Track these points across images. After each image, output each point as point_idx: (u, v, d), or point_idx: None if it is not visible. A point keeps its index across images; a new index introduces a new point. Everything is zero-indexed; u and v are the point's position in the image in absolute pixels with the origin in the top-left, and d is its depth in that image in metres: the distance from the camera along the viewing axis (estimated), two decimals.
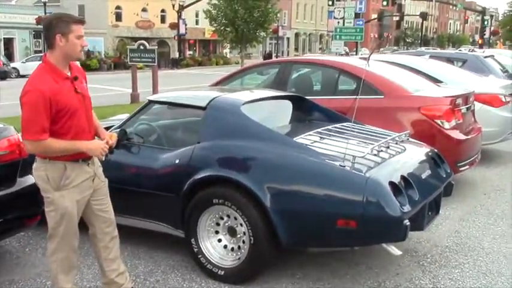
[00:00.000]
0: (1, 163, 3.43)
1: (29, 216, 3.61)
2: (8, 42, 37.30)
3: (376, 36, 79.90)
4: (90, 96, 2.97)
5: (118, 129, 3.90)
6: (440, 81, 6.90)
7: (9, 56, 35.03)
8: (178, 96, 4.21)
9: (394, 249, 3.28)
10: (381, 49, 53.87)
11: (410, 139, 4.17)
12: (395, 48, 62.02)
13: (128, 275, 3.26)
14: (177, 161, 3.64)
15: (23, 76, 29.61)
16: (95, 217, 3.04)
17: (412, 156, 3.74)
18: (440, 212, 3.91)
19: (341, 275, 3.66)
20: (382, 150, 3.54)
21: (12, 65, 30.48)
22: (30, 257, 3.96)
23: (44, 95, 2.65)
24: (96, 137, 3.05)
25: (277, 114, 4.34)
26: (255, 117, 3.64)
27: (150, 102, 4.17)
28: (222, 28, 31.37)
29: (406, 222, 3.07)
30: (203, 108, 3.78)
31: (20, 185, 3.53)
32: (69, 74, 2.82)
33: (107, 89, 19.24)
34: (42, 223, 3.95)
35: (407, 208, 3.11)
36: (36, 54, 34.04)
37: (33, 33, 38.26)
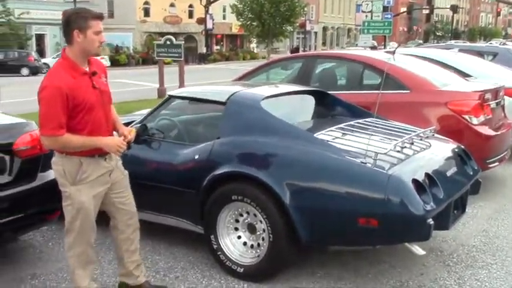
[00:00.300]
0: (22, 158, 3.46)
1: (49, 211, 3.62)
2: (40, 38, 38.01)
3: (405, 29, 78.67)
4: (108, 92, 2.96)
5: (139, 124, 3.90)
6: (470, 75, 6.71)
7: (41, 51, 35.70)
8: (199, 91, 4.18)
9: (417, 249, 3.18)
10: (407, 43, 52.80)
11: (436, 135, 4.05)
12: (420, 41, 60.69)
13: (143, 268, 3.27)
14: (196, 157, 3.62)
15: None
16: (116, 210, 3.05)
17: (437, 153, 3.62)
18: (467, 210, 3.79)
19: (363, 274, 3.58)
20: (405, 147, 3.44)
21: (43, 60, 31.04)
22: (53, 251, 3.99)
23: (61, 90, 2.65)
24: (114, 132, 3.05)
25: (298, 110, 4.27)
26: (275, 112, 3.58)
27: (171, 97, 4.15)
28: (248, 23, 31.36)
29: (430, 221, 2.97)
30: (223, 103, 3.74)
31: (41, 180, 3.55)
32: (87, 69, 2.82)
33: (134, 84, 19.45)
34: (63, 218, 4.01)
35: (431, 206, 3.02)
36: None
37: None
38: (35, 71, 27.99)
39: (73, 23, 2.71)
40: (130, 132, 3.03)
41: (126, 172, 3.12)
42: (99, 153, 2.85)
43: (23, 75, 27.24)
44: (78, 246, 2.95)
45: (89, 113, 2.77)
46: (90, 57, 2.85)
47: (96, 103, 2.80)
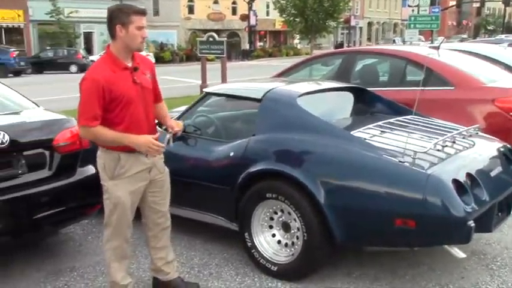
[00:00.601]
0: (63, 153, 3.54)
1: (88, 205, 3.71)
2: (88, 36, 39.07)
3: (454, 24, 76.42)
4: (151, 89, 2.96)
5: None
6: None
7: (89, 49, 36.70)
8: (235, 88, 4.16)
9: (457, 252, 3.07)
10: (450, 37, 50.99)
11: (481, 133, 3.89)
12: (463, 36, 58.46)
13: (175, 264, 3.29)
14: (231, 154, 3.61)
15: None
16: (149, 209, 3.08)
17: (481, 152, 3.47)
18: None
19: (400, 275, 3.49)
20: (447, 145, 3.32)
21: (91, 57, 31.89)
22: (92, 245, 4.08)
23: (98, 83, 2.71)
24: (158, 127, 3.08)
25: (335, 107, 4.19)
26: (311, 109, 3.52)
27: (207, 94, 4.16)
28: (291, 19, 31.21)
29: (471, 223, 2.85)
30: (259, 100, 3.71)
31: (80, 175, 3.63)
32: (130, 64, 2.84)
33: (178, 81, 19.68)
34: (103, 212, 4.09)
35: (472, 208, 2.89)
36: None
37: None
38: (83, 68, 28.74)
39: (115, 18, 2.76)
40: (178, 125, 3.06)
41: (167, 170, 3.13)
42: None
43: (72, 72, 28.07)
44: (115, 240, 2.99)
45: (126, 107, 2.78)
46: (134, 53, 2.87)
47: (135, 98, 2.81)
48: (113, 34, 2.79)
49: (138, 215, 3.06)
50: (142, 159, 2.89)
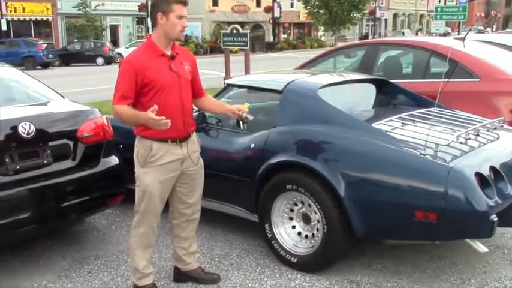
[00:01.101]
0: (86, 144, 3.61)
1: (112, 195, 3.78)
2: (114, 29, 39.50)
3: (483, 15, 74.75)
4: (189, 79, 2.98)
5: (197, 113, 3.95)
6: None
7: (114, 42, 37.10)
8: (256, 80, 4.18)
9: (480, 246, 3.03)
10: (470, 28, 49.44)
11: (506, 126, 3.82)
12: (480, 28, 56.32)
13: (197, 256, 3.34)
14: (252, 145, 3.62)
15: None
16: (176, 198, 3.12)
17: (505, 145, 3.41)
18: None
19: (421, 269, 3.46)
20: (470, 138, 3.27)
21: (117, 50, 32.26)
22: (115, 234, 4.15)
23: (132, 66, 2.80)
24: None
25: (357, 99, 4.16)
26: (332, 101, 3.51)
27: (228, 85, 4.17)
28: (315, 10, 30.96)
29: (494, 217, 2.80)
30: (279, 92, 3.71)
31: (104, 166, 3.70)
32: (169, 52, 2.88)
33: (203, 73, 19.51)
34: (126, 202, 4.16)
35: (495, 202, 2.85)
36: (138, 40, 35.77)
37: (136, 19, 40.18)
38: (109, 61, 29.15)
39: (157, 6, 2.83)
40: (241, 109, 3.09)
41: (202, 164, 3.15)
42: (172, 138, 2.90)
43: (98, 65, 28.44)
44: (142, 227, 3.04)
45: (159, 93, 2.83)
46: (174, 44, 2.92)
47: (170, 85, 2.85)
48: (154, 22, 2.87)
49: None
50: (175, 149, 2.92)
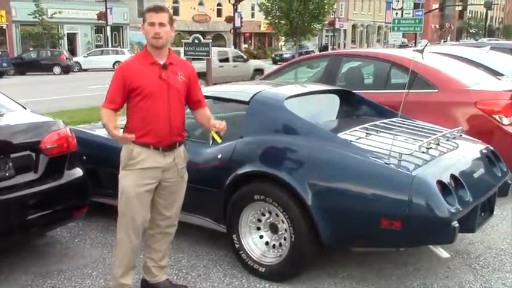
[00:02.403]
0: (50, 156, 3.53)
1: (76, 207, 3.70)
2: (71, 37, 38.76)
3: (437, 27, 77.24)
4: (180, 89, 2.97)
5: None
6: (502, 74, 6.55)
7: (72, 50, 36.39)
8: (222, 91, 4.19)
9: (442, 252, 3.13)
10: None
11: (464, 136, 3.97)
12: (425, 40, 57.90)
13: (166, 271, 3.30)
14: (219, 156, 3.63)
15: (85, 70, 30.78)
16: (154, 208, 3.08)
17: (464, 154, 3.54)
18: (495, 212, 3.70)
19: (387, 275, 3.54)
20: (431, 147, 3.38)
21: (75, 59, 31.64)
22: (79, 247, 4.07)
23: (121, 71, 2.91)
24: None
25: (322, 109, 4.23)
26: (298, 112, 3.56)
27: None
28: (276, 21, 31.31)
29: (455, 223, 2.91)
30: (246, 103, 3.74)
31: (68, 178, 3.62)
32: (162, 61, 2.92)
33: None
34: (90, 215, 4.08)
35: (456, 209, 2.95)
36: (97, 49, 35.21)
37: (95, 28, 39.57)
38: (66, 70, 28.55)
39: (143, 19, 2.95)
40: (221, 124, 3.01)
41: (186, 178, 3.13)
42: (154, 144, 2.90)
43: (55, 74, 27.82)
44: (120, 232, 3.02)
45: (146, 100, 2.86)
46: (171, 53, 2.98)
47: (157, 93, 2.87)
48: None
49: None
50: (157, 156, 2.92)
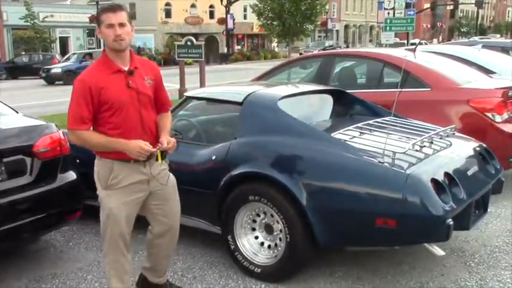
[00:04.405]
0: (43, 160, 3.51)
1: (69, 211, 3.68)
2: (64, 41, 38.62)
3: (429, 26, 77.54)
4: (148, 94, 2.76)
5: None
6: (493, 72, 6.58)
7: (65, 54, 36.17)
8: (215, 92, 4.19)
9: (437, 250, 3.13)
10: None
11: (457, 133, 3.98)
12: (422, 41, 57.80)
13: (166, 276, 3.24)
14: (213, 157, 3.62)
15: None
16: (154, 219, 2.93)
17: (457, 152, 3.55)
18: (489, 210, 3.71)
19: (382, 274, 3.54)
20: (425, 146, 3.39)
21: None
22: (73, 251, 4.04)
23: (85, 85, 2.61)
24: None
25: (315, 109, 4.24)
26: (292, 112, 3.56)
27: (188, 98, 4.16)
28: (268, 22, 31.35)
29: (449, 221, 2.91)
30: (240, 104, 3.73)
31: (61, 181, 3.61)
32: (126, 68, 2.70)
33: None
34: (84, 218, 4.06)
35: (450, 206, 2.96)
36: (88, 50, 35.11)
37: (87, 31, 39.46)
38: None
39: (96, 23, 2.69)
40: (170, 143, 2.75)
41: (173, 183, 2.94)
42: (134, 158, 2.68)
43: None
44: (111, 254, 2.84)
45: (118, 113, 2.65)
46: (133, 56, 2.74)
47: (128, 103, 2.66)
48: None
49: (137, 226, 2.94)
50: (138, 169, 2.73)
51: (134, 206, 2.80)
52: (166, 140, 2.74)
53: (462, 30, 79.94)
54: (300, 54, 35.48)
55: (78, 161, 4.12)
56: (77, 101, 2.62)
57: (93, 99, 2.61)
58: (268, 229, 3.46)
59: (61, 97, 16.49)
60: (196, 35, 35.08)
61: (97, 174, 2.77)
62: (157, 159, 2.75)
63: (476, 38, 22.81)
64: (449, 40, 50.04)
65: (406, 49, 6.69)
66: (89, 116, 2.63)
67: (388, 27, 23.47)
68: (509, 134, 4.98)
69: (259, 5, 31.37)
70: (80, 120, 2.62)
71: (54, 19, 35.77)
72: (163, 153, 2.77)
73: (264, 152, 3.45)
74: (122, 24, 2.62)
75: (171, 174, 2.94)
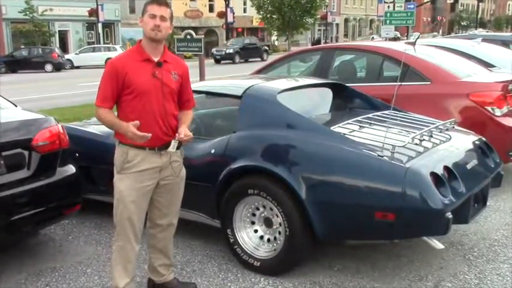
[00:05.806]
0: (42, 153, 3.50)
1: (69, 205, 3.68)
2: (63, 35, 38.51)
3: (429, 20, 77.36)
4: (174, 88, 2.88)
5: None
6: (493, 66, 6.57)
7: (64, 48, 36.16)
8: (215, 85, 4.18)
9: (436, 243, 3.13)
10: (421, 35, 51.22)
11: (457, 127, 3.98)
12: (435, 34, 58.49)
13: (172, 269, 3.26)
14: (213, 151, 3.62)
15: (77, 67, 30.63)
16: (152, 206, 3.00)
17: (457, 146, 3.55)
18: (488, 203, 3.72)
19: (381, 267, 3.54)
20: (424, 139, 3.38)
21: (67, 56, 31.46)
22: (72, 245, 4.05)
23: (113, 67, 2.78)
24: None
25: (315, 103, 4.23)
26: (291, 106, 3.55)
27: None
28: (268, 16, 31.27)
29: (449, 215, 2.91)
30: (239, 97, 3.72)
31: (60, 175, 3.59)
32: (156, 59, 2.83)
33: None
34: (84, 212, 4.07)
35: (449, 200, 2.96)
36: (89, 46, 35.01)
37: (86, 25, 39.33)
38: (58, 67, 28.40)
39: (142, 12, 2.84)
40: (186, 134, 2.82)
41: (183, 175, 3.05)
42: (150, 146, 2.80)
43: (47, 71, 27.66)
44: (119, 240, 2.92)
45: (139, 98, 2.77)
46: (166, 51, 2.88)
47: (150, 91, 2.79)
48: None
49: None
50: (153, 157, 2.84)
51: (143, 195, 2.88)
52: (184, 132, 2.85)
53: (462, 23, 79.75)
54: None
55: (77, 154, 4.14)
56: (104, 80, 2.80)
57: (118, 81, 2.76)
58: (268, 223, 3.46)
59: (61, 91, 16.46)
60: (196, 29, 35.04)
61: (115, 158, 2.90)
62: (171, 148, 2.87)
63: (476, 32, 22.75)
64: (449, 34, 49.93)
65: (406, 42, 6.67)
66: (110, 96, 2.78)
67: (388, 21, 23.37)
68: (509, 127, 4.98)
69: None
70: (103, 98, 2.78)
71: (54, 13, 35.65)
72: (178, 144, 2.90)
73: (263, 145, 3.45)
74: (163, 18, 2.79)
75: (183, 169, 3.06)
